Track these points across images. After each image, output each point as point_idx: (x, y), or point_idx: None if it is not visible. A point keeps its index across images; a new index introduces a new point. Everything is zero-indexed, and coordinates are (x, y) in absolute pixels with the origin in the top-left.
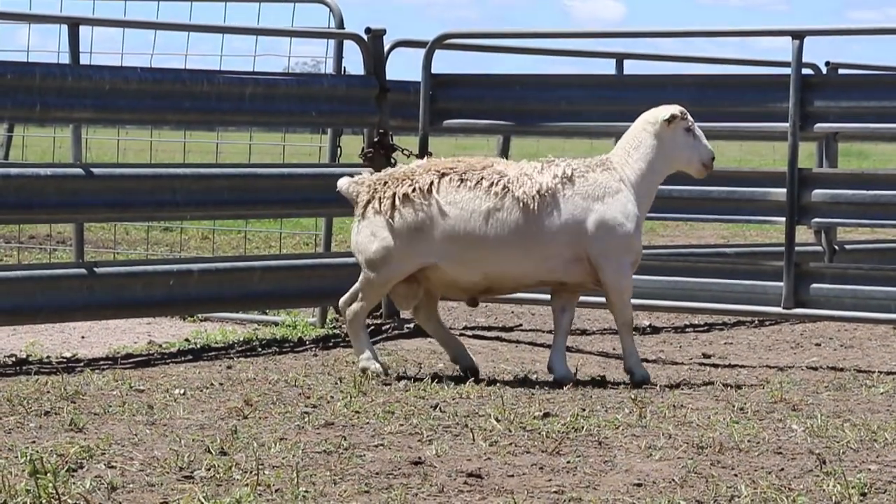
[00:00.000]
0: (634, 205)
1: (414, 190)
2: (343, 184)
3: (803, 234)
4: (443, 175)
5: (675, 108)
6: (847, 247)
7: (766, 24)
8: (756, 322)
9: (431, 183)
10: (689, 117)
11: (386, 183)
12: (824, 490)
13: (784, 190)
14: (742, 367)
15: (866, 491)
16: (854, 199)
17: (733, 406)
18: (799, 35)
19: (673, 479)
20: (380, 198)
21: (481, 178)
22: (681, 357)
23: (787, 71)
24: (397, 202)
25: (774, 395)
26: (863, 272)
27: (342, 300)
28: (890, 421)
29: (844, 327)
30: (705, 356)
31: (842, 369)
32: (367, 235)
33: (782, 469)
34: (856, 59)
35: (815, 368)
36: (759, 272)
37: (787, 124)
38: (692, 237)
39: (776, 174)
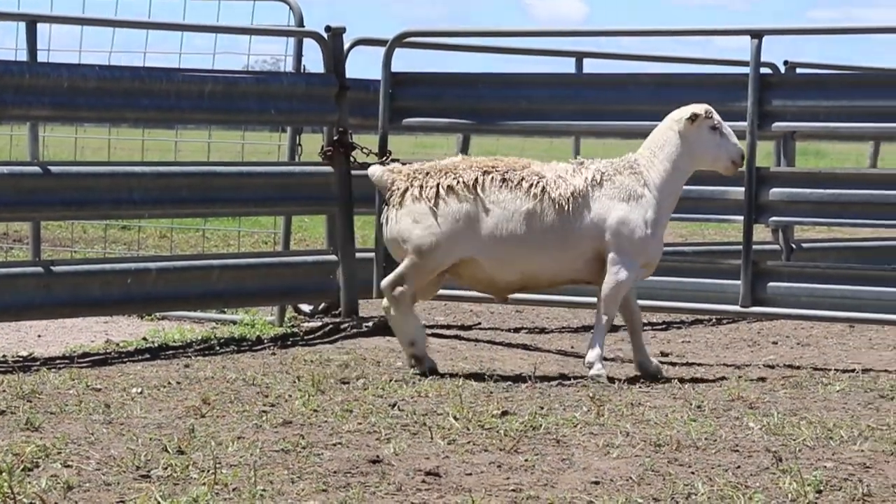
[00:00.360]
0: (655, 209)
1: (458, 183)
2: (377, 171)
3: (761, 232)
4: (486, 172)
5: (699, 107)
6: (804, 245)
7: (726, 23)
8: (714, 320)
9: (476, 179)
10: (716, 115)
11: (428, 173)
12: (780, 488)
13: (742, 188)
14: (700, 365)
15: (822, 488)
16: (811, 198)
17: (691, 404)
18: (758, 34)
19: (630, 477)
20: (421, 186)
21: (521, 179)
22: None
23: (746, 70)
24: (442, 192)
25: (731, 393)
26: (819, 271)
27: (384, 283)
28: (845, 419)
29: (801, 325)
30: (663, 354)
31: (798, 367)
32: (409, 223)
33: (739, 467)
34: (814, 59)
35: (772, 366)
36: (716, 270)
37: (745, 123)
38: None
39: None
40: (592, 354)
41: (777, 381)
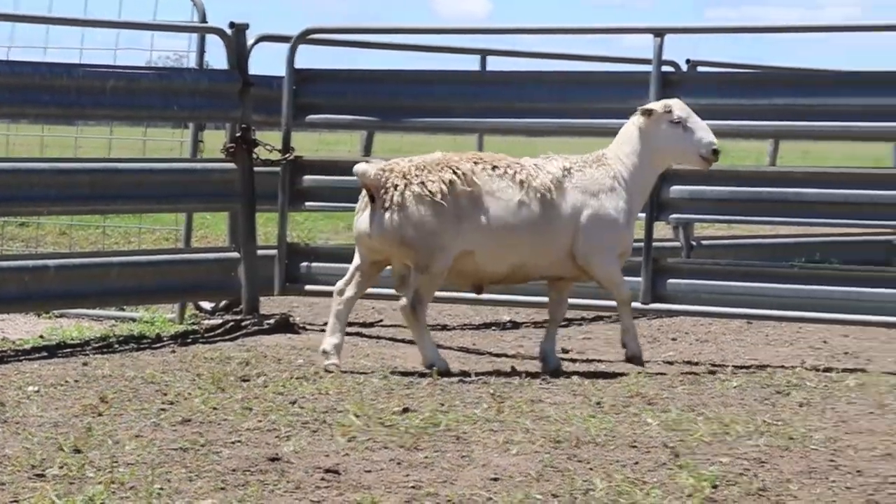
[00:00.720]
0: (626, 201)
1: (458, 175)
2: (368, 169)
3: (661, 229)
4: (476, 163)
5: (657, 103)
6: (704, 242)
7: (628, 21)
8: (614, 317)
9: (472, 169)
10: (678, 110)
11: (426, 169)
12: (677, 483)
13: None
14: (599, 361)
15: (718, 483)
16: (711, 196)
17: (590, 400)
18: (660, 33)
19: (529, 474)
20: (423, 182)
21: (507, 167)
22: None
23: (649, 68)
24: (443, 187)
25: (630, 390)
26: (719, 268)
27: (405, 306)
28: (742, 414)
29: (700, 322)
30: (564, 351)
31: (697, 363)
32: (414, 223)
33: (637, 462)
34: (715, 57)
35: (671, 363)
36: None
37: None
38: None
39: None
40: (626, 337)
41: (675, 378)
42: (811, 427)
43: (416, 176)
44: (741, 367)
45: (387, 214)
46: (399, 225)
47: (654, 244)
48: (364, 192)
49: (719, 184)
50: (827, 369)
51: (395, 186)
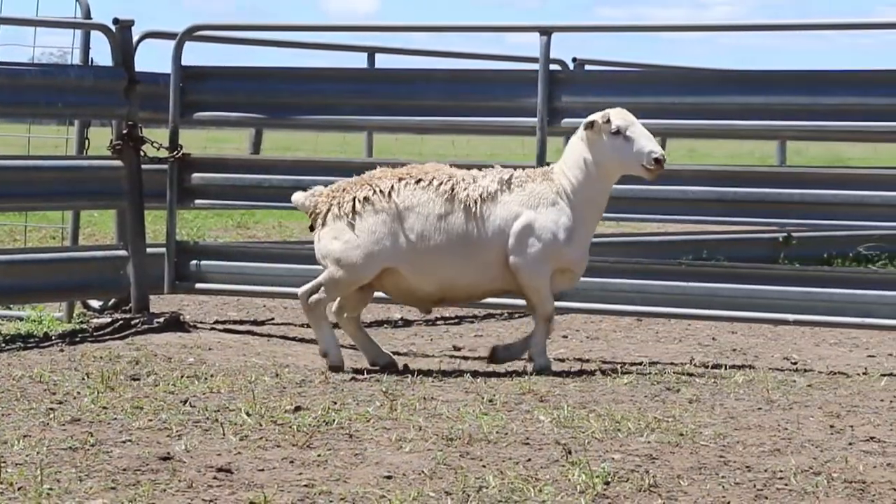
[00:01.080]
0: (569, 216)
1: (374, 192)
2: (299, 198)
3: None
4: (400, 179)
5: (597, 114)
6: (594, 240)
7: (517, 19)
8: (506, 315)
9: (391, 187)
10: (616, 120)
11: (345, 189)
12: (569, 479)
13: None
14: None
15: (610, 479)
16: None
17: (483, 398)
18: (546, 31)
19: (422, 471)
20: (338, 202)
21: (432, 180)
22: (431, 349)
23: (536, 67)
24: (358, 205)
25: (523, 387)
26: (608, 265)
27: (301, 291)
28: (633, 411)
29: (590, 319)
30: (456, 348)
31: (588, 360)
32: (329, 239)
33: (529, 459)
34: (603, 56)
35: (562, 360)
36: None
37: (535, 119)
38: None
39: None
40: (535, 350)
41: (567, 375)
42: (701, 423)
43: (336, 197)
44: (632, 364)
45: (315, 236)
46: (321, 243)
47: None
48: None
49: None
50: (716, 366)
51: (321, 210)
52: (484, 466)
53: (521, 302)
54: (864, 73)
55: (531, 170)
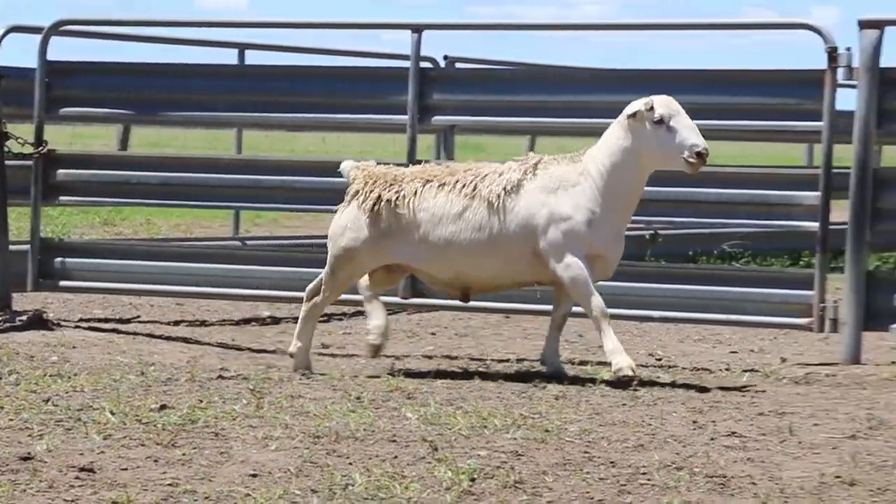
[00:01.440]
0: (591, 198)
1: (398, 196)
2: (346, 166)
3: None
4: (427, 182)
5: (639, 102)
6: None
7: (392, 17)
8: None
9: (416, 191)
10: (662, 109)
11: (376, 181)
12: (436, 476)
13: None
14: (360, 356)
15: (476, 476)
16: None
17: (350, 395)
18: (418, 29)
19: (289, 469)
20: (366, 193)
21: (457, 182)
22: None
23: (408, 64)
24: (381, 205)
25: (390, 385)
26: None
27: (309, 289)
28: (500, 407)
29: (460, 316)
30: (324, 346)
31: (456, 357)
32: (341, 226)
33: (396, 457)
34: (474, 54)
35: (431, 357)
36: None
37: (406, 117)
38: (314, 228)
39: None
40: (609, 353)
41: (435, 372)
42: (566, 419)
43: (369, 186)
44: (499, 361)
45: (338, 209)
46: (336, 222)
47: None
48: None
49: None
50: (582, 363)
51: (353, 188)
52: (350, 464)
53: (388, 298)
54: (732, 73)
55: (560, 154)
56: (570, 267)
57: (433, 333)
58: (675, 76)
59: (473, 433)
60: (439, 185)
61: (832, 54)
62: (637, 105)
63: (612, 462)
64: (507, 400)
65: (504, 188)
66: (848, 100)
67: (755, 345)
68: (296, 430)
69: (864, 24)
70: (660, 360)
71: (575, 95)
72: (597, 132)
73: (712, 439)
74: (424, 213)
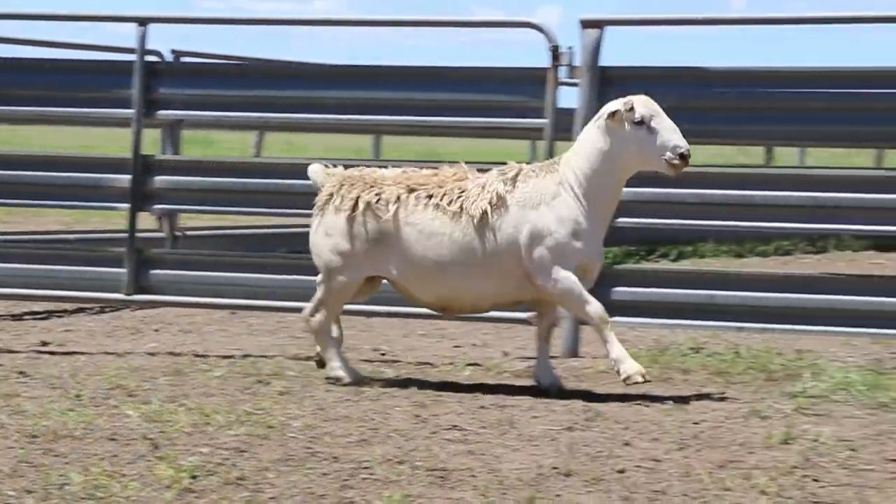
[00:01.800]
0: (573, 208)
1: (378, 200)
2: (315, 171)
3: (147, 220)
4: (411, 190)
5: (618, 103)
6: (189, 233)
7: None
8: (97, 309)
9: (398, 197)
10: (641, 109)
11: (353, 184)
12: (156, 474)
13: (128, 176)
14: (81, 353)
15: (197, 473)
16: (195, 186)
17: (70, 394)
18: (143, 21)
19: (2, 470)
20: (343, 196)
21: (444, 195)
22: (19, 345)
23: (134, 57)
24: (359, 207)
25: (112, 382)
26: (204, 258)
27: (305, 311)
28: (223, 404)
29: (184, 313)
30: (44, 343)
31: (180, 354)
32: (322, 236)
33: (115, 455)
34: (203, 49)
35: (154, 354)
36: (101, 259)
37: (132, 111)
38: (33, 223)
39: (120, 160)
40: (616, 361)
41: (158, 369)
42: (290, 415)
43: (344, 188)
44: (224, 357)
45: (313, 220)
46: (314, 233)
47: (139, 235)
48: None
49: (204, 174)
50: (307, 358)
51: (324, 194)
52: (67, 463)
53: (111, 295)
54: (458, 70)
55: (538, 164)
56: (560, 281)
57: (157, 330)
58: (403, 73)
59: (196, 430)
60: (427, 197)
61: (555, 53)
62: (616, 105)
63: (335, 457)
64: (232, 396)
65: (490, 203)
66: (570, 97)
67: (478, 339)
68: (11, 430)
69: (585, 24)
70: (384, 354)
71: (304, 91)
72: (326, 128)
73: (434, 433)
74: (410, 228)
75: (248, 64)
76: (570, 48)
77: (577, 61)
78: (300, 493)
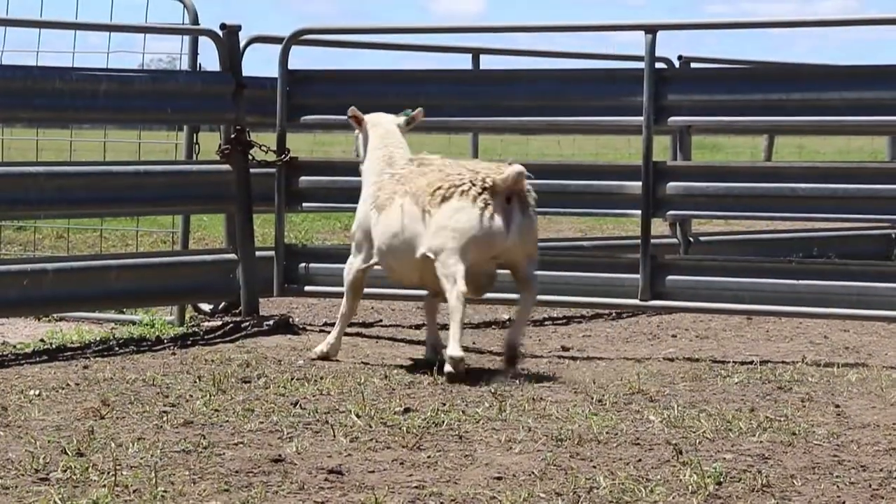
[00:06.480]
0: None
1: (401, 195)
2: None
3: (659, 226)
4: (406, 193)
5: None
6: (702, 238)
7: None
8: (614, 314)
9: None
10: None
11: (400, 179)
12: (681, 480)
13: (639, 183)
14: (600, 359)
15: (722, 480)
16: (708, 191)
17: (592, 398)
18: (652, 29)
19: (532, 472)
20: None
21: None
22: (540, 350)
23: (641, 65)
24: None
25: (632, 387)
26: (717, 263)
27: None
28: (744, 410)
29: (700, 318)
30: (564, 349)
31: (697, 360)
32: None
33: (640, 460)
34: (709, 53)
35: (672, 360)
36: (616, 265)
37: (641, 118)
38: (550, 230)
39: (632, 167)
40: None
41: (677, 374)
42: (813, 422)
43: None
44: (742, 363)
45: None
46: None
47: (652, 241)
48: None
49: (715, 180)
50: (828, 364)
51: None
52: (594, 467)
53: (628, 301)
54: None
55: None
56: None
57: (674, 336)
58: None
59: (718, 436)
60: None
61: None
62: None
63: (862, 466)
64: (752, 402)
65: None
66: None
67: None
68: (538, 433)
69: None
70: None
71: (811, 93)
72: (833, 131)
73: None
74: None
75: (755, 67)
76: None
77: None
78: (828, 501)
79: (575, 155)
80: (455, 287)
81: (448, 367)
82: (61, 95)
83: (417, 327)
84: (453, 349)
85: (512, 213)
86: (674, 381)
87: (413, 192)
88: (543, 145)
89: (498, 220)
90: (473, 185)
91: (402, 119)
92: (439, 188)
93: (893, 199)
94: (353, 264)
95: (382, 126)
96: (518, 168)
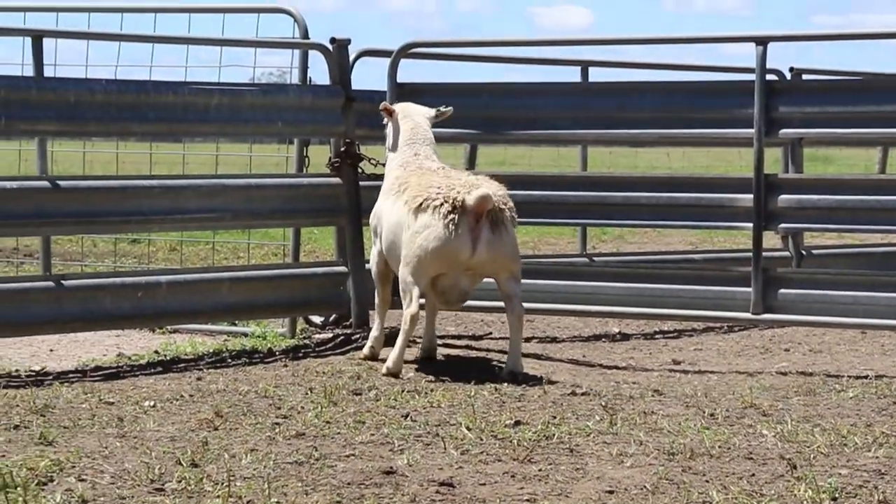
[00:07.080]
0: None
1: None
2: None
3: (771, 239)
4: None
5: None
6: (814, 251)
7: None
8: (725, 328)
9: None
10: None
11: (440, 188)
12: (795, 495)
13: (751, 196)
14: (712, 373)
15: (837, 495)
16: (820, 204)
17: (704, 412)
18: (762, 41)
19: (644, 486)
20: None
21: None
22: (651, 363)
23: (752, 77)
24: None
25: (745, 401)
26: (830, 277)
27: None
28: (859, 425)
29: (813, 332)
30: (675, 362)
31: (811, 374)
32: None
33: (753, 474)
34: (819, 65)
35: (785, 374)
36: (727, 278)
37: (752, 130)
38: (660, 243)
39: (743, 180)
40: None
41: (790, 389)
42: None
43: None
44: (857, 378)
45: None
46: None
47: (764, 254)
48: None
49: (827, 192)
50: None
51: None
52: (707, 481)
53: (739, 314)
54: None
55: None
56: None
57: (787, 349)
58: None
59: (833, 451)
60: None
61: None
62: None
63: None
64: (867, 417)
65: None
66: None
67: None
68: (650, 447)
69: None
70: None
71: None
72: None
73: None
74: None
75: (868, 78)
76: None
77: None
78: None
79: (685, 167)
80: (407, 309)
81: (383, 370)
82: (174, 109)
83: (527, 340)
84: (392, 362)
85: (480, 231)
86: (787, 395)
87: (405, 199)
88: (653, 158)
89: (464, 238)
90: (446, 201)
91: (432, 112)
92: (418, 199)
93: None
94: (374, 251)
95: (412, 119)
96: (482, 192)
